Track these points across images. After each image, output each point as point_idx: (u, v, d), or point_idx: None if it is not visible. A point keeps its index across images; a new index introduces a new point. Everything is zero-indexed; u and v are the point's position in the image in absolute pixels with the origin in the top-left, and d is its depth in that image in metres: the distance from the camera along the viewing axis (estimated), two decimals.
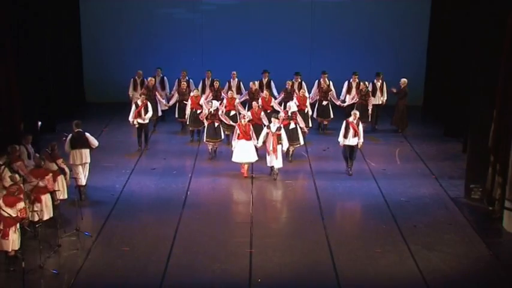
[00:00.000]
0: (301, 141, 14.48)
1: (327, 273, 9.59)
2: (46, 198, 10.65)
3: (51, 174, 10.89)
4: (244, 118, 13.44)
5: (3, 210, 9.39)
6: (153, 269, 9.63)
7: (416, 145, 15.72)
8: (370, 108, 16.27)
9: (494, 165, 11.62)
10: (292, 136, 14.01)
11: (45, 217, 10.64)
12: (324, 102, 16.55)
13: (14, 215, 9.48)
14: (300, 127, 14.40)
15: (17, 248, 9.58)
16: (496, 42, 11.59)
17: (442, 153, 15.11)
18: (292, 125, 14.18)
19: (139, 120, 14.79)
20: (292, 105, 14.56)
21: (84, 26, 19.00)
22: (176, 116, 16.62)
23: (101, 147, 13.43)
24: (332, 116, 16.66)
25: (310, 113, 15.87)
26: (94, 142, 12.23)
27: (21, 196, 9.78)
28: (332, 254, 10.14)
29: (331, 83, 16.74)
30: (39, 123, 13.08)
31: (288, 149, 13.89)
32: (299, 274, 9.61)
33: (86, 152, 12.11)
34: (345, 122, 13.45)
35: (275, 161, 13.11)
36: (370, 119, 16.41)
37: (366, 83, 16.48)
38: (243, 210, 11.82)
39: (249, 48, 19.01)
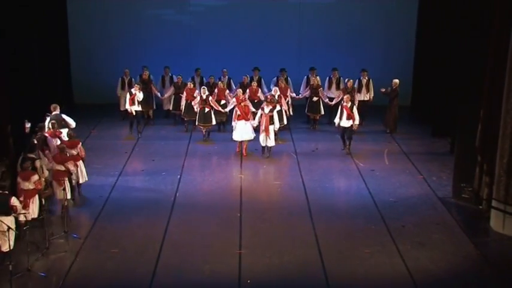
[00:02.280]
0: (285, 122, 15.97)
1: (316, 274, 9.61)
2: (81, 164, 12.20)
3: (81, 143, 12.59)
4: (244, 101, 14.99)
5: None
6: (143, 271, 9.61)
7: (405, 145, 15.79)
8: (356, 104, 16.39)
9: (481, 165, 11.70)
10: (277, 117, 15.16)
11: (81, 180, 12.28)
12: (315, 98, 16.99)
13: (31, 187, 10.63)
14: (285, 109, 15.86)
15: (36, 216, 10.66)
16: (483, 43, 11.69)
17: (430, 154, 15.19)
18: (277, 107, 15.23)
19: (134, 108, 15.80)
20: (277, 89, 15.91)
21: (71, 27, 18.89)
22: (171, 108, 17.32)
23: (89, 149, 13.44)
24: (323, 112, 17.00)
25: (290, 101, 16.68)
26: (71, 122, 13.42)
27: (35, 170, 11.00)
28: (321, 254, 10.16)
29: (318, 78, 17.14)
30: (29, 124, 13.18)
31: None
32: (288, 275, 9.62)
33: (64, 132, 13.08)
34: (340, 105, 15.08)
35: (268, 140, 14.59)
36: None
37: (351, 80, 16.72)
38: (232, 211, 11.81)
39: (237, 49, 19.00)
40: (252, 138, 14.84)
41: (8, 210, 9.73)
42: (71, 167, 11.69)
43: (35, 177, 10.76)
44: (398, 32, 19.02)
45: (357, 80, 17.11)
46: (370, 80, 17.34)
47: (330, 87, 17.46)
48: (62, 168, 11.55)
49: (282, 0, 19.32)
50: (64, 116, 13.42)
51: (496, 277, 9.67)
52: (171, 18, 19.46)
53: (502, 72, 10.87)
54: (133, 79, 17.55)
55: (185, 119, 16.62)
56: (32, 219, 10.58)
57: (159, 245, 10.39)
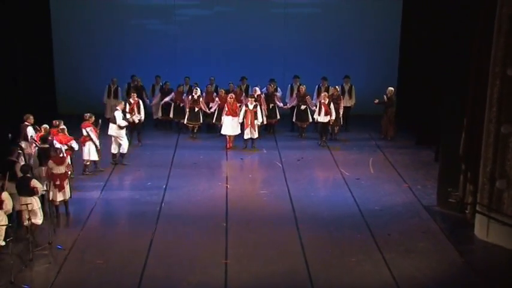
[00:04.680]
0: (264, 120, 16.69)
1: (302, 283, 9.60)
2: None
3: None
4: (231, 98, 15.98)
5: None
6: (128, 282, 9.53)
7: (390, 154, 15.88)
8: (341, 111, 16.75)
9: (465, 173, 11.79)
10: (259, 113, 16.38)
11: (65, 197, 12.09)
12: (302, 107, 17.14)
13: (64, 171, 11.64)
14: (264, 109, 16.84)
15: (68, 197, 11.87)
16: (466, 52, 11.81)
17: (415, 162, 15.27)
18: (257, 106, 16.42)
19: (135, 117, 15.88)
20: (258, 89, 16.86)
21: (56, 36, 18.81)
22: (160, 115, 17.79)
23: (75, 160, 13.39)
24: (310, 120, 17.12)
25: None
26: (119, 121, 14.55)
27: (66, 155, 12.22)
28: (307, 263, 10.16)
29: (305, 86, 17.31)
30: (9, 135, 13.12)
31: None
32: (274, 284, 9.61)
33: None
34: (318, 102, 16.34)
35: (253, 133, 15.95)
36: (342, 122, 16.97)
37: (337, 87, 17.11)
38: (218, 221, 11.77)
39: (222, 58, 19.06)
40: (237, 133, 16.02)
41: (31, 192, 10.59)
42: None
43: (68, 160, 12.07)
44: (383, 41, 19.17)
45: (340, 86, 17.38)
46: (353, 86, 17.78)
47: (318, 96, 17.45)
48: (63, 170, 11.74)
49: (267, 10, 19.41)
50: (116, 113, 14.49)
51: (481, 284, 9.73)
52: (157, 28, 19.46)
53: (484, 82, 10.98)
54: (119, 88, 17.85)
55: (176, 121, 17.37)
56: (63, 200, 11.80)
57: (144, 256, 10.32)
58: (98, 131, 14.03)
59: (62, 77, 19.07)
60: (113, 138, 14.72)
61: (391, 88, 17.12)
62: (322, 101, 16.20)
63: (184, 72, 18.23)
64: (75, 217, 11.89)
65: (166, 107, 17.53)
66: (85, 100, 18.49)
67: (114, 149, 14.78)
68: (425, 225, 11.71)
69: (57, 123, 13.40)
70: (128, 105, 16.07)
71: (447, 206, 12.29)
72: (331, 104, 16.17)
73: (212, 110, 16.92)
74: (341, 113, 16.76)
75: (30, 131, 13.28)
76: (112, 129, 14.76)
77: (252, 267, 10.02)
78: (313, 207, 12.52)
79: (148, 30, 19.39)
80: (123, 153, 14.82)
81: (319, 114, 16.23)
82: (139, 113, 16.02)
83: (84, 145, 13.89)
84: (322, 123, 16.30)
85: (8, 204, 10.22)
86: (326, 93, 16.56)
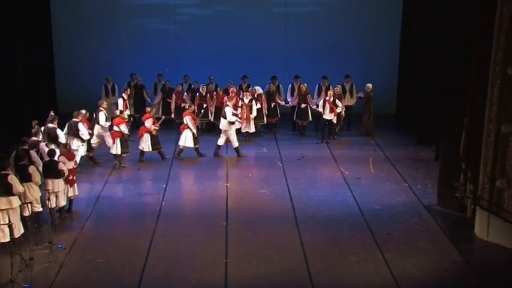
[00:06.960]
0: (264, 120, 17.09)
1: (302, 282, 9.60)
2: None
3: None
4: (233, 93, 16.13)
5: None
6: (128, 281, 9.54)
7: (390, 153, 15.89)
8: (342, 110, 16.84)
9: (465, 172, 11.79)
10: (257, 115, 16.64)
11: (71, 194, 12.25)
12: (303, 105, 17.23)
13: (72, 167, 11.76)
14: (263, 107, 16.97)
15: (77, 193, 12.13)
16: (466, 52, 11.81)
17: (415, 161, 15.28)
18: (258, 105, 16.64)
19: (128, 112, 15.95)
20: (258, 88, 16.91)
21: (56, 36, 18.84)
22: (160, 113, 17.60)
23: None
24: (311, 118, 17.22)
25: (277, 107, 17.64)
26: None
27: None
28: (307, 262, 10.16)
29: (306, 85, 17.39)
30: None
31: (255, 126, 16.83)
32: (274, 283, 9.61)
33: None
34: (323, 99, 16.54)
35: (248, 127, 16.42)
36: (342, 121, 17.07)
37: (339, 86, 17.23)
38: (218, 220, 11.78)
39: (222, 58, 19.06)
40: (238, 127, 16.04)
41: (58, 174, 11.22)
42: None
43: (76, 157, 12.66)
44: (383, 40, 19.21)
45: (341, 86, 17.44)
46: (353, 85, 17.88)
47: (319, 95, 17.60)
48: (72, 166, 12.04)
49: (267, 9, 19.43)
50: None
51: (481, 284, 9.73)
52: (156, 27, 19.49)
53: (484, 81, 10.99)
54: (116, 85, 17.94)
55: (177, 121, 16.99)
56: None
57: (144, 255, 10.33)
58: (196, 120, 15.17)
59: (62, 76, 19.08)
60: (222, 132, 15.30)
61: (369, 84, 17.26)
62: (327, 98, 16.41)
63: (184, 72, 18.25)
64: (75, 216, 11.90)
65: (165, 106, 17.54)
66: (85, 99, 18.45)
67: (220, 142, 15.41)
68: (426, 224, 11.71)
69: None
70: (121, 100, 16.17)
71: (447, 205, 12.29)
72: (336, 101, 16.39)
73: (210, 108, 17.00)
74: (342, 112, 16.81)
75: (102, 116, 14.55)
76: (222, 124, 15.35)
77: (252, 267, 10.02)
78: (313, 206, 12.53)
79: (148, 29, 19.41)
80: (219, 145, 15.42)
81: (324, 112, 16.40)
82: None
83: (182, 132, 15.01)
84: (326, 120, 16.45)
85: (37, 176, 10.86)
86: (331, 91, 16.70)
